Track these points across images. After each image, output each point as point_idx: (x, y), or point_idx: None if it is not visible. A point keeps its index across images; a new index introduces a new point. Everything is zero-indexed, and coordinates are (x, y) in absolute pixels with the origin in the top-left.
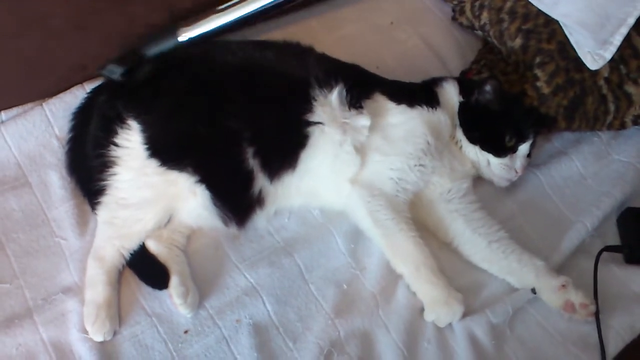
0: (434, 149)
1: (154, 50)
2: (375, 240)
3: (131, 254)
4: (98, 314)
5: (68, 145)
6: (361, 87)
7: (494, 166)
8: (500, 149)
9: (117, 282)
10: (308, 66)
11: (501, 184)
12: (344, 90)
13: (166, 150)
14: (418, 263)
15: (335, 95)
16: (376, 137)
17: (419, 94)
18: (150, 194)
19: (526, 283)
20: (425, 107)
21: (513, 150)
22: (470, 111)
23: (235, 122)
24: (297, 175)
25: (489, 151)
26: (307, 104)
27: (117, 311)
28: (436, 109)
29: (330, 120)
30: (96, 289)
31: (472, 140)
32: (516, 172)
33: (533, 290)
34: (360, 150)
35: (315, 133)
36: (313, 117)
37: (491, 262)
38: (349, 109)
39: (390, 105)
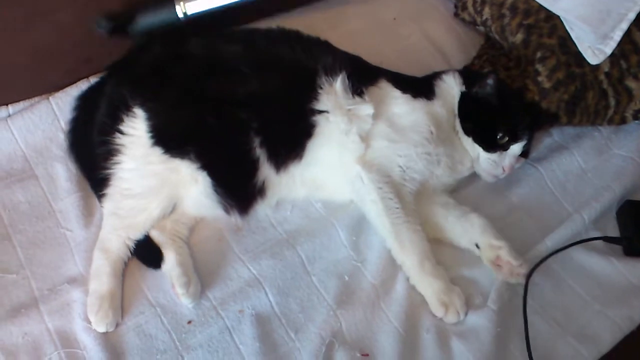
0: (437, 138)
1: (149, 19)
2: (381, 229)
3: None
4: (101, 304)
5: (70, 126)
6: (364, 74)
7: (482, 159)
8: (490, 143)
9: (122, 274)
10: (315, 54)
11: (487, 179)
12: (346, 78)
13: (170, 138)
14: (422, 256)
15: (339, 83)
16: (382, 125)
17: (420, 86)
18: (154, 183)
19: (470, 240)
20: (425, 99)
21: (504, 147)
22: (469, 102)
23: (244, 112)
24: (303, 165)
25: (479, 144)
26: (313, 92)
27: (120, 303)
28: (433, 100)
29: (334, 108)
30: (100, 279)
31: (466, 131)
32: (503, 170)
33: (477, 245)
34: (365, 139)
35: (321, 122)
36: (319, 106)
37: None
38: (352, 96)
39: (397, 93)
